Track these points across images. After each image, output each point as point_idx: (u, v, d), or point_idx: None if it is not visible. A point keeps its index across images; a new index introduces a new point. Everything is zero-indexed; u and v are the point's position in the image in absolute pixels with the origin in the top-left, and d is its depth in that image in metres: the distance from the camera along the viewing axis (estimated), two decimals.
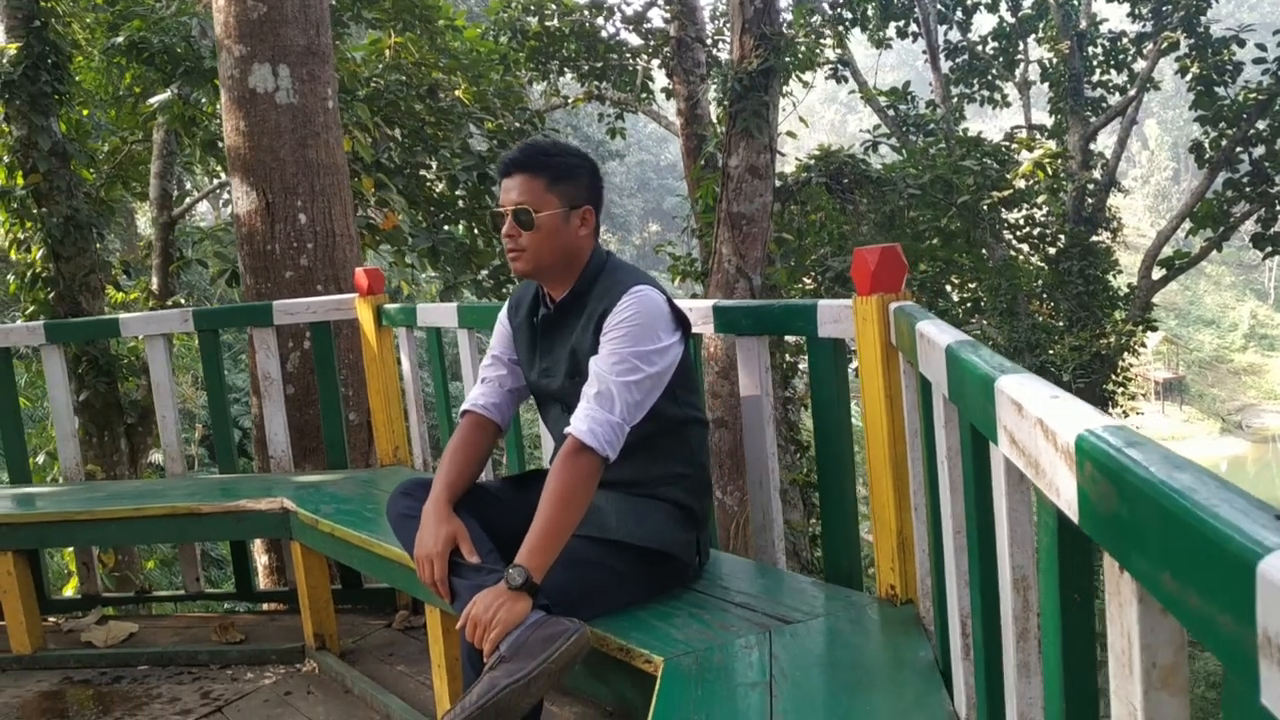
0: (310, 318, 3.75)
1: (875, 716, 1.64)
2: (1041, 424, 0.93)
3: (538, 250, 2.18)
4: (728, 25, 9.63)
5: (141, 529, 3.41)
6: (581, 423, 2.04)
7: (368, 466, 4.07)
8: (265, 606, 4.25)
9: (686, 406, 2.26)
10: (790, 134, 8.86)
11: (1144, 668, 0.75)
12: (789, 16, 11.80)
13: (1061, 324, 15.79)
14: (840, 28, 15.72)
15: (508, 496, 2.34)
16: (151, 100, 7.98)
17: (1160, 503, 0.66)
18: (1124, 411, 16.40)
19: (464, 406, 2.40)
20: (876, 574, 2.17)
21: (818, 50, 13.68)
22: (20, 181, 7.69)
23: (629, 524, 2.16)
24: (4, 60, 7.45)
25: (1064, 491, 0.87)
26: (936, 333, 1.49)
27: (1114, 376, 15.77)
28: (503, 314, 2.46)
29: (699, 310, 2.48)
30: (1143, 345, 16.71)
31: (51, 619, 3.89)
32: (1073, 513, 0.85)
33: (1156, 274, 16.47)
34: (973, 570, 1.39)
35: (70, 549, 5.95)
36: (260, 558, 4.55)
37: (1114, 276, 16.64)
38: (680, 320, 2.22)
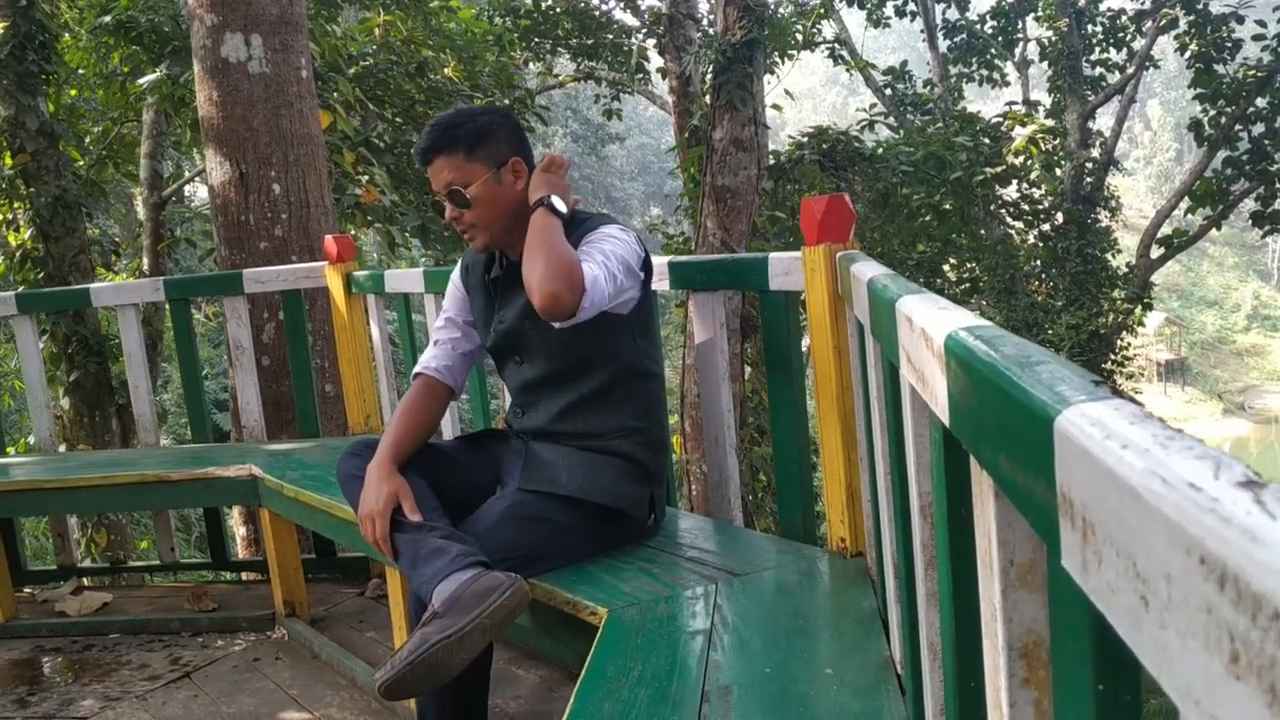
0: (281, 286, 3.73)
1: (811, 662, 1.62)
2: (924, 333, 0.91)
3: (487, 222, 2.16)
4: None
5: (112, 496, 3.40)
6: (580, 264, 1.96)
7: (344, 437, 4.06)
8: (243, 576, 4.25)
9: (645, 357, 2.23)
10: (776, 107, 8.81)
11: (1002, 565, 0.73)
12: None
13: (1059, 303, 15.73)
14: (833, 2, 15.61)
15: (460, 455, 2.33)
16: (141, 80, 7.96)
17: (994, 381, 0.64)
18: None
19: (416, 369, 2.38)
20: (828, 527, 2.16)
21: (812, 28, 13.61)
22: (9, 162, 7.67)
23: (580, 480, 2.14)
24: None
25: (940, 398, 0.86)
26: (864, 270, 1.47)
27: (1112, 356, 15.71)
28: (456, 275, 2.43)
29: (655, 267, 2.46)
30: (1141, 325, 16.64)
31: (27, 590, 3.89)
32: (946, 418, 0.84)
33: (1155, 253, 16.40)
34: (895, 507, 1.37)
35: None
36: (238, 529, 4.55)
37: (1113, 256, 16.57)
38: (645, 260, 2.20)
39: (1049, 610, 0.60)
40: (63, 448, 7.48)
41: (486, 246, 2.19)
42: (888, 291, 1.18)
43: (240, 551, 4.51)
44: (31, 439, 8.27)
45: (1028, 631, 0.74)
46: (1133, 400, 0.51)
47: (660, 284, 2.49)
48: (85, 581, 4.00)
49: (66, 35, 8.96)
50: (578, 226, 2.18)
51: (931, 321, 0.89)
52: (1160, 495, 0.38)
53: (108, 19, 7.67)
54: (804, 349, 2.58)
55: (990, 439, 0.67)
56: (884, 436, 1.48)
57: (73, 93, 9.33)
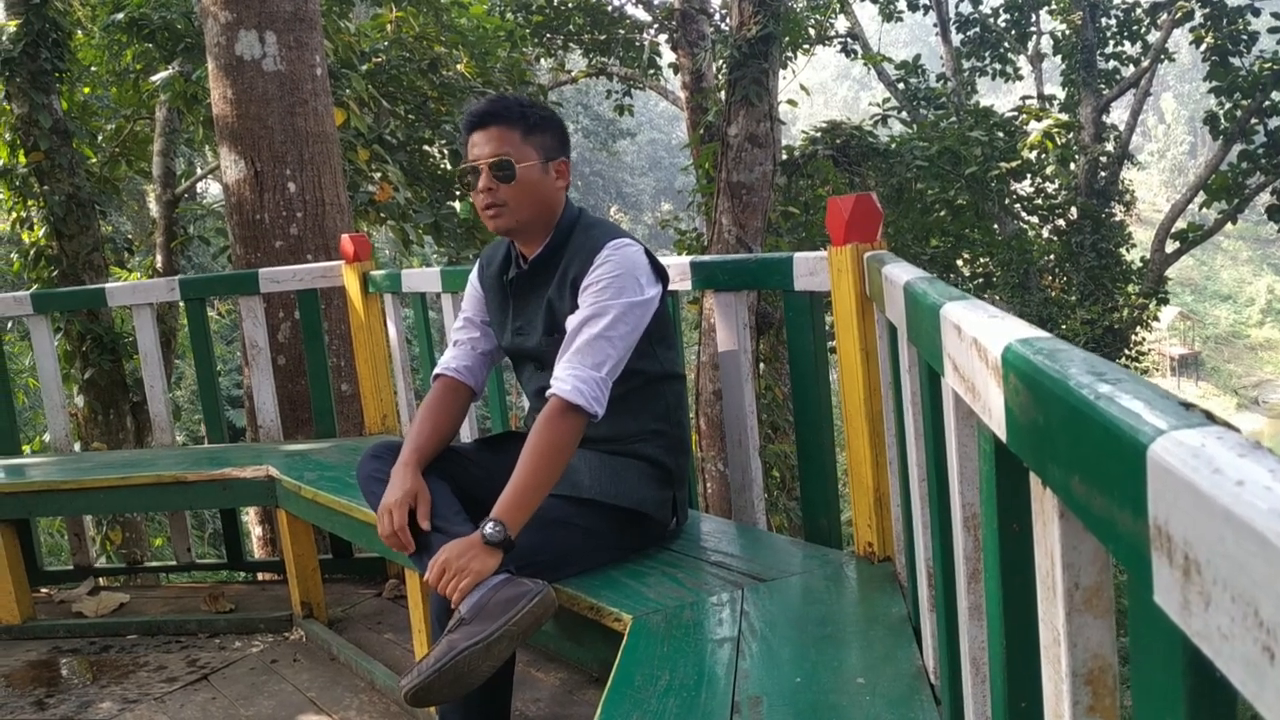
0: (297, 285, 3.71)
1: (842, 671, 1.60)
2: (976, 343, 0.88)
3: (518, 204, 2.12)
4: None
5: (129, 497, 3.38)
6: (565, 381, 1.99)
7: (361, 437, 4.04)
8: (259, 576, 4.24)
9: (664, 362, 2.22)
10: (791, 102, 8.76)
11: (1066, 589, 0.71)
12: None
13: (1073, 298, 15.64)
14: None
15: (480, 459, 2.31)
16: (153, 78, 7.95)
17: (1067, 400, 0.61)
18: None
19: (436, 370, 2.36)
20: (854, 531, 2.13)
21: (825, 21, 13.55)
22: (22, 160, 7.67)
23: (603, 483, 2.12)
24: (4, 38, 7.42)
25: (994, 411, 0.83)
26: (899, 273, 1.44)
27: (1127, 351, 15.63)
28: (473, 275, 2.40)
29: (675, 266, 2.43)
30: (1156, 319, 16.54)
31: (44, 590, 3.89)
32: (1002, 432, 0.81)
33: (1170, 247, 16.29)
34: (932, 515, 1.34)
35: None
36: (255, 529, 4.54)
37: (1127, 250, 16.46)
38: (659, 273, 2.17)
39: (1129, 642, 0.57)
40: (77, 445, 7.49)
41: (506, 229, 2.16)
42: (928, 297, 1.15)
43: (256, 550, 4.50)
44: (47, 437, 8.31)
45: (1093, 657, 0.71)
46: (1229, 426, 0.48)
47: (682, 284, 2.46)
48: (101, 581, 3.99)
49: (79, 33, 8.96)
50: (580, 236, 2.16)
51: (984, 331, 0.86)
52: None
53: (120, 16, 7.66)
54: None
55: (1060, 459, 0.64)
56: (919, 443, 1.45)
57: (85, 90, 9.33)
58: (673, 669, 1.63)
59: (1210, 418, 0.49)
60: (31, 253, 7.92)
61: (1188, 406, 0.51)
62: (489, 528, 1.89)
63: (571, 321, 2.06)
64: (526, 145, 2.12)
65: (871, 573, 2.02)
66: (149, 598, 3.81)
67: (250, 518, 4.56)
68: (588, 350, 2.00)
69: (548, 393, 2.02)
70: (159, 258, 9.55)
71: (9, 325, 9.97)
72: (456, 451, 2.29)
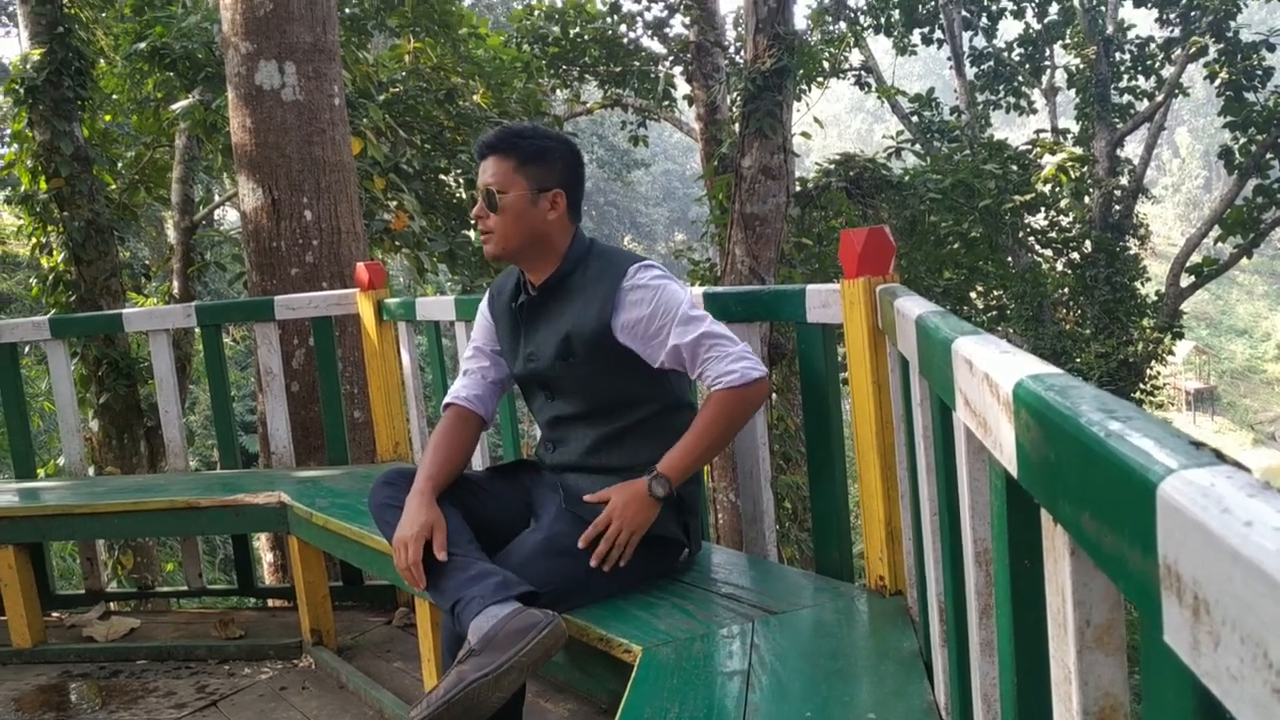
0: (312, 313, 3.73)
1: (853, 706, 1.59)
2: (988, 378, 0.88)
3: (504, 233, 2.15)
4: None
5: (141, 522, 3.40)
6: (729, 374, 2.05)
7: (373, 464, 4.05)
8: (269, 603, 4.23)
9: (678, 391, 2.22)
10: (805, 134, 8.79)
11: (1077, 625, 0.70)
12: (806, 21, 11.75)
13: (1088, 332, 15.59)
14: (859, 29, 15.64)
15: (493, 487, 2.31)
16: (174, 106, 8.05)
17: (1078, 437, 0.61)
18: None
19: (446, 399, 2.38)
20: (866, 565, 2.12)
21: (839, 54, 13.63)
22: (43, 186, 7.76)
23: None
24: (28, 66, 7.53)
25: (1006, 447, 0.83)
26: (911, 306, 1.44)
27: (1141, 385, 15.55)
28: (484, 304, 2.42)
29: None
30: (1171, 353, 16.47)
31: (55, 614, 3.90)
32: (1013, 468, 0.81)
33: (1185, 281, 16.25)
34: (943, 549, 1.34)
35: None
36: (266, 555, 4.54)
37: (1142, 284, 16.43)
38: None
39: (1140, 681, 0.56)
40: (91, 470, 7.52)
41: (494, 256, 2.20)
42: (940, 331, 1.16)
43: (267, 577, 4.50)
44: (61, 461, 8.33)
45: (1104, 695, 0.71)
46: (1239, 465, 0.48)
47: None
48: (112, 606, 4.00)
49: (102, 62, 9.08)
50: (597, 262, 2.18)
51: (996, 367, 0.87)
52: None
53: (142, 46, 7.77)
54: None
55: (1071, 496, 0.64)
56: (930, 477, 1.44)
57: (107, 118, 9.44)
58: (682, 702, 1.62)
59: (1220, 456, 0.49)
60: (50, 278, 7.98)
61: (1197, 445, 0.51)
62: (656, 484, 2.00)
63: (668, 350, 2.09)
64: (518, 176, 2.15)
65: (883, 606, 2.01)
66: (159, 623, 3.81)
67: (261, 544, 4.56)
68: (714, 346, 2.07)
69: (716, 388, 2.06)
70: (176, 284, 9.63)
71: (26, 349, 10.04)
72: (469, 480, 2.30)
